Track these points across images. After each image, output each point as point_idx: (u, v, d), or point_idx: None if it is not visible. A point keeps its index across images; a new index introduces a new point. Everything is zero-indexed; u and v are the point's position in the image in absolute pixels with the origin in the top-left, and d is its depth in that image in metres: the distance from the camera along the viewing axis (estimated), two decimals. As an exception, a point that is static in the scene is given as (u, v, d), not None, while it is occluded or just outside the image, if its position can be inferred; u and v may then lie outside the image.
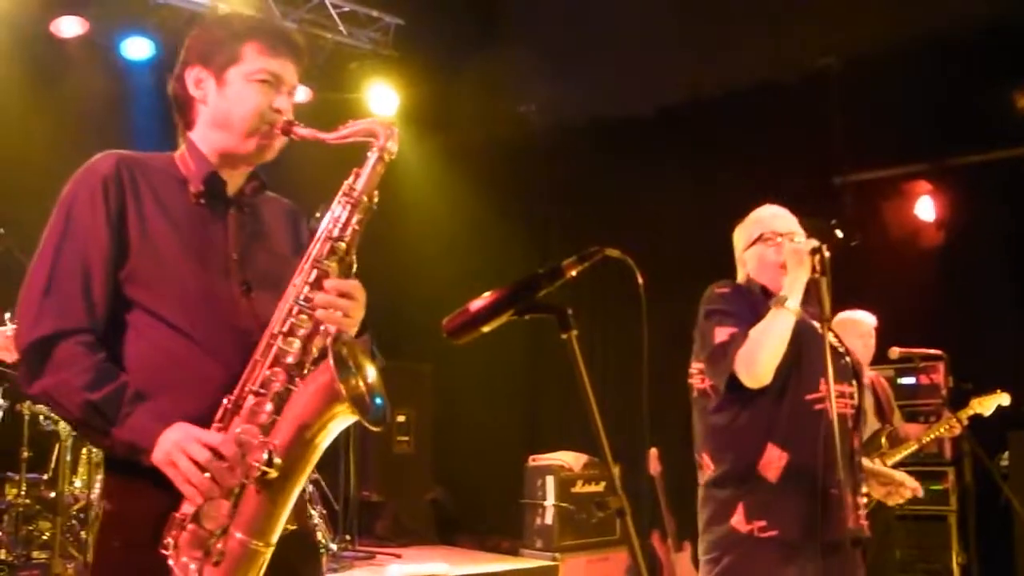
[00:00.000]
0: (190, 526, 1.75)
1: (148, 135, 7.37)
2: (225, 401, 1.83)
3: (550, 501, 6.68)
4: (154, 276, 1.89)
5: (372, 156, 1.93)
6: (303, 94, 7.03)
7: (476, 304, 1.81)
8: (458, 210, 8.15)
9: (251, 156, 2.02)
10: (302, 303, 1.87)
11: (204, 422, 1.82)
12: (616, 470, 1.73)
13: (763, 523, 2.76)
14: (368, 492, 7.42)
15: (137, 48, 6.99)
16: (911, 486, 3.58)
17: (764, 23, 6.17)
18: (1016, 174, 6.37)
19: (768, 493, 2.77)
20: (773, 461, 2.77)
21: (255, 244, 2.03)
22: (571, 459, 6.83)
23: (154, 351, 1.87)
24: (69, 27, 6.65)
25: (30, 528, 5.62)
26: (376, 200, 1.94)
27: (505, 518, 7.48)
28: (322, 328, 1.86)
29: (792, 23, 6.12)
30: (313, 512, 5.83)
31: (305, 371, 1.85)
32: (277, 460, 1.75)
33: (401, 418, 8.04)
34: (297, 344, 1.85)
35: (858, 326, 4.95)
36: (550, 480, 6.72)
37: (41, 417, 5.55)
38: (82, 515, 5.59)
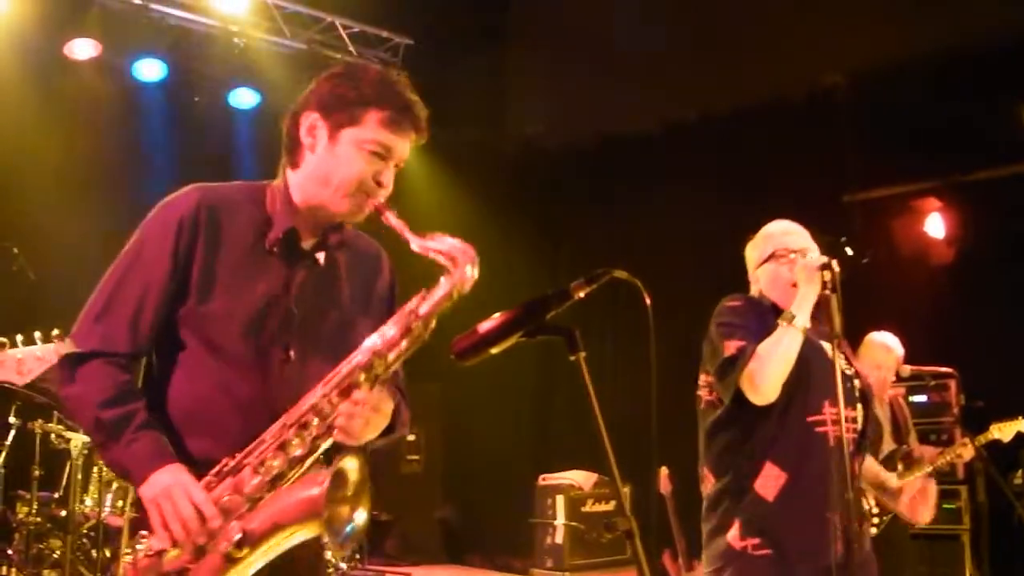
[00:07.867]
0: (152, 556, 1.83)
1: (160, 154, 7.45)
2: (227, 460, 1.87)
3: (560, 520, 6.66)
4: (207, 324, 1.95)
5: (443, 285, 1.89)
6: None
7: (485, 326, 1.81)
8: (466, 229, 8.04)
9: (341, 216, 2.02)
10: (324, 403, 1.87)
11: (212, 467, 1.88)
12: (626, 490, 1.72)
13: (757, 541, 2.74)
14: (377, 511, 7.40)
15: (149, 69, 7.06)
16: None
17: (772, 42, 6.19)
18: (1025, 190, 6.36)
19: (764, 511, 2.75)
20: (771, 480, 2.75)
21: (320, 304, 2.03)
22: (581, 478, 6.82)
23: (192, 394, 1.95)
24: (82, 49, 6.72)
25: (41, 546, 5.61)
26: (430, 332, 1.90)
27: (515, 537, 7.46)
28: (335, 433, 1.86)
29: (800, 41, 6.13)
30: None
31: (304, 467, 1.87)
32: (246, 549, 1.79)
33: (411, 437, 8.04)
34: (308, 439, 1.86)
35: (877, 353, 4.70)
36: (560, 499, 6.71)
37: (52, 436, 5.55)
38: (93, 533, 5.59)
